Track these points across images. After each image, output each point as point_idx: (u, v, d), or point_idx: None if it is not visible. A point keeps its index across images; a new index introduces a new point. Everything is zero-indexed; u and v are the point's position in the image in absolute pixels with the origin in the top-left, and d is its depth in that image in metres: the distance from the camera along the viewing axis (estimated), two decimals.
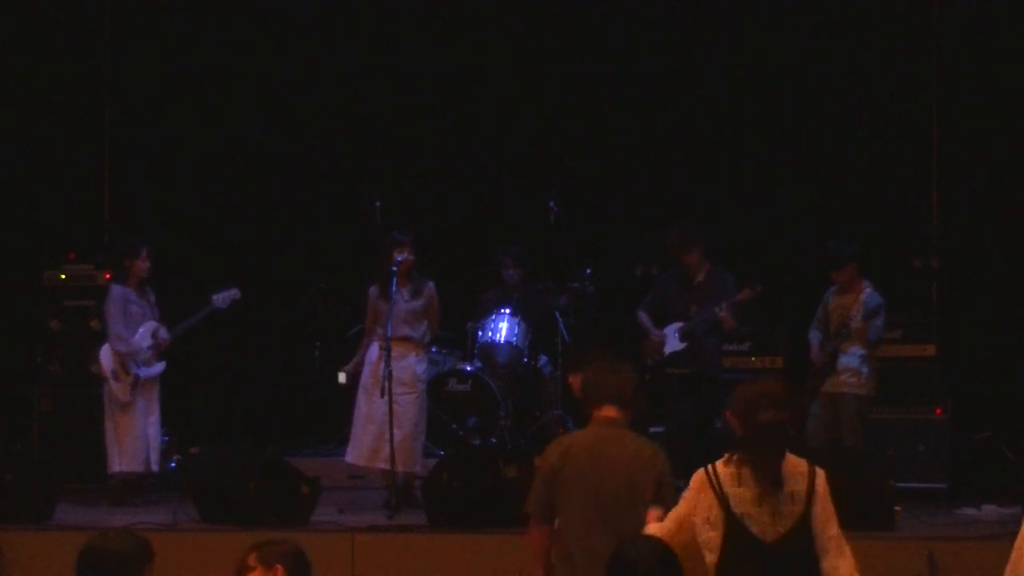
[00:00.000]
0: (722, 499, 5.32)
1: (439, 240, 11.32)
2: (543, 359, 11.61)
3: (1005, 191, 11.73)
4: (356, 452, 10.05)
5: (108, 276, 11.14)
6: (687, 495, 5.46)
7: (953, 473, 10.58)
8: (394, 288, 9.98)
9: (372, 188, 11.52)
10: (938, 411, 10.72)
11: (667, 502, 5.85)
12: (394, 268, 9.97)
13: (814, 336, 10.15)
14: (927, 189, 12.16)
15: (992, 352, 11.45)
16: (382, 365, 9.78)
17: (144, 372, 10.46)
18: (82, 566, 4.77)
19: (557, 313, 11.40)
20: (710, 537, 5.33)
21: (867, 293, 9.94)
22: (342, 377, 10.66)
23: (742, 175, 12.17)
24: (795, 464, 5.42)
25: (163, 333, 10.56)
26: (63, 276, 11.51)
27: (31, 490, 9.71)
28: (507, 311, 11.24)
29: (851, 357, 9.91)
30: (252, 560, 5.02)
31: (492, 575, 8.74)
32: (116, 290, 10.56)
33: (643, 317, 10.56)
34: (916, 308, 11.33)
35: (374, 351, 10.08)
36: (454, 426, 11.05)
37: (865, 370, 9.89)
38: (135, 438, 10.40)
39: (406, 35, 12.53)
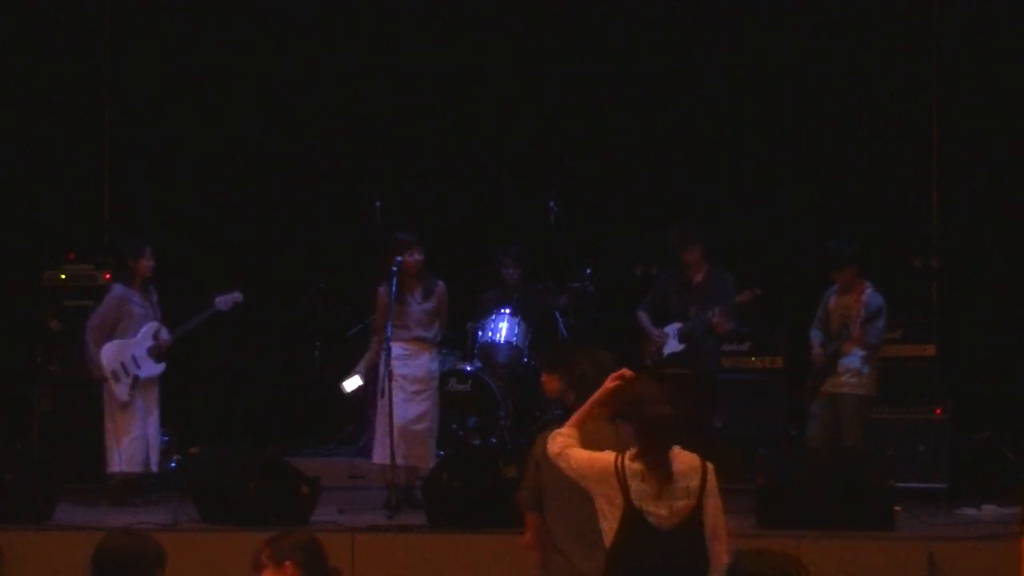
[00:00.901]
0: (625, 490, 5.68)
1: (439, 240, 11.32)
2: None
3: (1005, 191, 11.73)
4: (384, 452, 9.95)
5: (108, 276, 11.14)
6: (593, 457, 5.82)
7: (953, 473, 10.58)
8: (394, 289, 9.98)
9: (372, 188, 11.52)
10: (938, 411, 10.72)
11: None
12: (394, 269, 9.98)
13: (815, 336, 10.14)
14: (927, 189, 12.16)
15: (992, 352, 11.46)
16: (396, 363, 9.81)
17: (143, 373, 10.46)
18: (99, 562, 4.77)
19: (557, 313, 11.40)
20: (614, 516, 5.71)
21: (868, 294, 9.93)
22: (354, 383, 10.52)
23: (742, 175, 12.17)
24: (689, 460, 5.78)
25: (164, 334, 10.55)
26: (63, 276, 11.51)
27: (31, 490, 9.72)
28: (507, 311, 11.24)
29: (852, 358, 9.90)
30: (264, 557, 5.03)
31: (492, 575, 8.74)
32: (117, 289, 10.56)
33: (643, 317, 10.58)
34: (916, 308, 11.33)
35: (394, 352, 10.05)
36: (454, 426, 11.04)
37: (866, 370, 9.89)
38: (134, 438, 10.39)
39: (406, 35, 12.53)
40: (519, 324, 11.22)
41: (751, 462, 9.17)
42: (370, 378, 10.35)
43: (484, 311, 11.36)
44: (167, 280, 10.93)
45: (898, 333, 10.81)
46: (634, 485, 5.69)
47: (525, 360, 11.27)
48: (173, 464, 11.10)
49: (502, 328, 11.23)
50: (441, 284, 10.24)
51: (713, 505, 5.76)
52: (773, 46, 12.21)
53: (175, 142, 12.49)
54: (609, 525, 5.75)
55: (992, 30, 11.78)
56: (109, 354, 10.42)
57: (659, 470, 5.69)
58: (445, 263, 11.08)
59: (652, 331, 10.47)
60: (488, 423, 11.11)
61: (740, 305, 10.30)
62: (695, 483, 5.75)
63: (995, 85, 11.77)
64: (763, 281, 10.38)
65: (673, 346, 10.33)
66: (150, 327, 10.53)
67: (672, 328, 10.42)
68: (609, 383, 5.98)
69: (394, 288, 9.98)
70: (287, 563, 4.95)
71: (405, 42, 12.54)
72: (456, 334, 11.44)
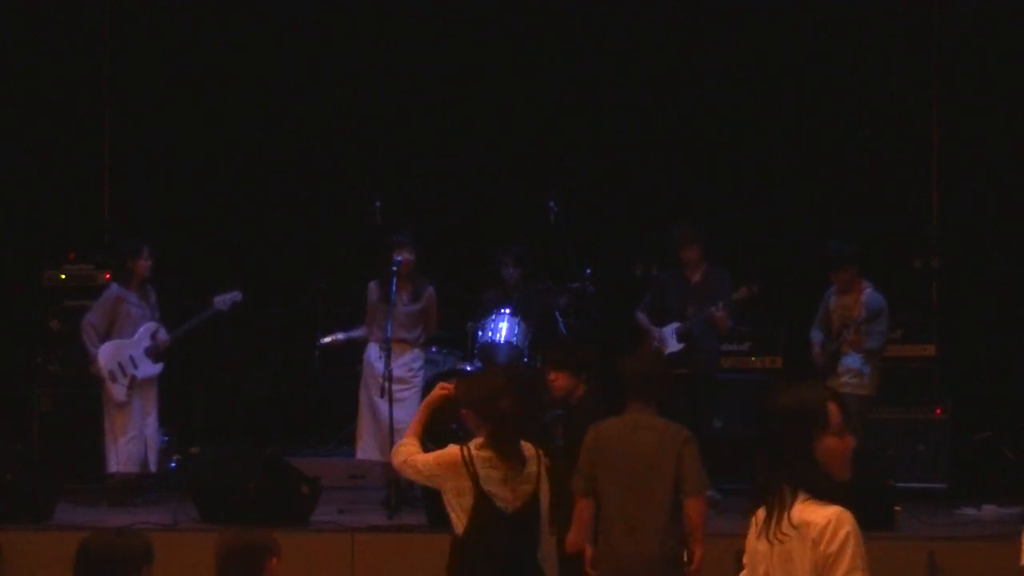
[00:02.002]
0: (474, 478, 6.16)
1: (439, 240, 11.33)
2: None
3: (1005, 191, 11.73)
4: (366, 448, 10.13)
5: (108, 276, 11.14)
6: (440, 455, 6.30)
7: (953, 473, 10.58)
8: (394, 290, 10.01)
9: (372, 188, 11.52)
10: (938, 411, 10.72)
11: (690, 469, 6.86)
12: (394, 269, 10.00)
13: (815, 336, 10.14)
14: (927, 189, 12.16)
15: (992, 352, 11.45)
16: (378, 363, 9.87)
17: (141, 373, 10.46)
18: (79, 562, 4.75)
19: (557, 313, 11.39)
20: (461, 505, 6.20)
21: (868, 294, 9.94)
22: (328, 338, 10.70)
23: (742, 175, 12.16)
24: (527, 447, 6.35)
25: (162, 334, 10.56)
26: (63, 276, 11.51)
27: (31, 490, 9.72)
28: (507, 311, 11.23)
29: (853, 358, 9.90)
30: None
31: None
32: (113, 289, 10.57)
33: (642, 318, 10.58)
34: (916, 308, 11.33)
35: (373, 351, 10.21)
36: (454, 426, 11.03)
37: (867, 371, 9.89)
38: (132, 439, 10.39)
39: (406, 35, 12.53)
40: (519, 324, 11.21)
41: (751, 462, 9.15)
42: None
43: (484, 311, 11.35)
44: (167, 280, 10.94)
45: (898, 333, 10.81)
46: (483, 472, 6.16)
47: (525, 360, 11.25)
48: (173, 464, 11.10)
49: (502, 328, 11.21)
50: (431, 288, 10.35)
51: (546, 490, 6.34)
52: (773, 46, 12.21)
53: (175, 142, 12.49)
54: (457, 515, 6.22)
55: (992, 30, 11.78)
56: (106, 354, 10.42)
57: (513, 458, 6.20)
58: (445, 263, 11.09)
59: (652, 331, 10.47)
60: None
61: (738, 302, 10.30)
62: (534, 469, 6.29)
63: (995, 85, 11.77)
64: (762, 280, 10.38)
65: (673, 346, 10.33)
66: (148, 327, 10.53)
67: (671, 328, 10.42)
68: (439, 390, 6.53)
69: (393, 287, 10.01)
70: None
71: (405, 42, 12.54)
72: (456, 334, 11.43)
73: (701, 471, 6.96)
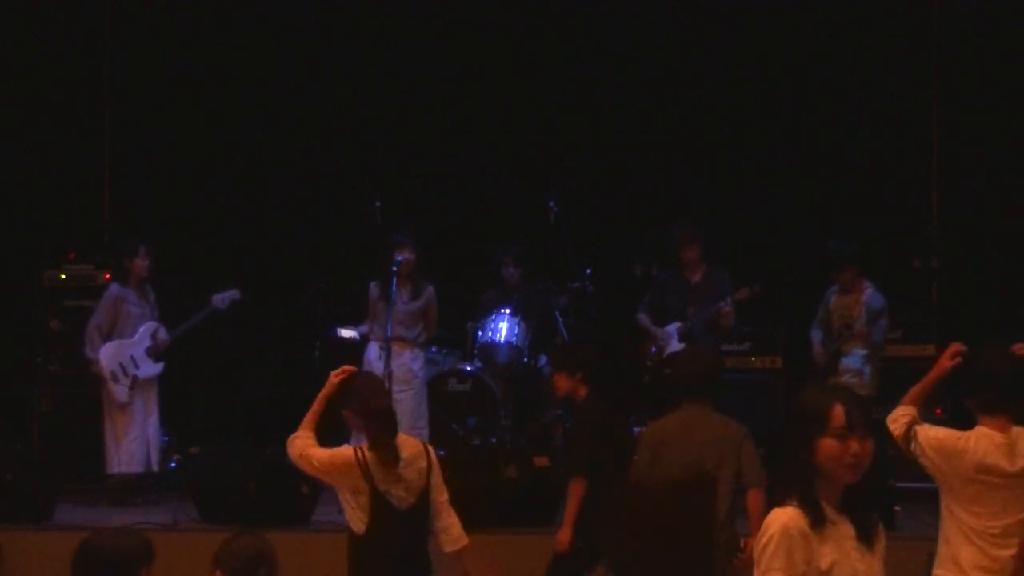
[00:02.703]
0: (369, 478, 6.40)
1: (439, 240, 11.33)
2: (543, 359, 11.59)
3: (1005, 191, 11.73)
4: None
5: (108, 276, 11.14)
6: (335, 453, 6.54)
7: None
8: (394, 289, 10.02)
9: (372, 188, 11.51)
10: (938, 411, 10.71)
11: (749, 463, 7.09)
12: (394, 269, 10.01)
13: (815, 336, 10.14)
14: (927, 189, 12.16)
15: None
16: (378, 363, 9.87)
17: (142, 373, 10.46)
18: (77, 563, 4.73)
19: (557, 313, 11.39)
20: (359, 504, 6.44)
21: (869, 294, 9.94)
22: (349, 331, 10.69)
23: (742, 175, 12.16)
24: (414, 444, 6.66)
25: (162, 334, 10.56)
26: (63, 276, 11.50)
27: (31, 490, 9.73)
28: (507, 311, 11.24)
29: (853, 358, 9.90)
30: (212, 557, 4.99)
31: (492, 575, 8.73)
32: (113, 289, 10.57)
33: (643, 318, 10.59)
34: (916, 308, 11.33)
35: (373, 350, 10.23)
36: (454, 426, 11.04)
37: (867, 371, 9.89)
38: (133, 439, 10.39)
39: (406, 35, 12.53)
40: (519, 324, 11.22)
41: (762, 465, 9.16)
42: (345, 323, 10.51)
43: (484, 311, 11.36)
44: (166, 280, 10.93)
45: (898, 333, 10.81)
46: (377, 472, 6.41)
47: (525, 360, 11.27)
48: (173, 464, 11.10)
49: (502, 328, 11.22)
50: (431, 289, 10.36)
51: (437, 482, 6.61)
52: (773, 46, 12.21)
53: (175, 142, 12.48)
54: (354, 514, 6.45)
55: (992, 30, 11.78)
56: (107, 355, 10.42)
57: (390, 455, 6.44)
58: (445, 263, 11.09)
59: (654, 331, 10.47)
60: (488, 423, 11.10)
61: (739, 302, 10.30)
62: (423, 464, 6.57)
63: (995, 85, 11.77)
64: (762, 280, 10.38)
65: (674, 346, 10.33)
66: (148, 327, 10.53)
67: (672, 328, 10.42)
68: (334, 377, 6.65)
69: (393, 287, 10.02)
70: (217, 571, 4.89)
71: (405, 42, 12.54)
72: (456, 334, 11.44)
73: (760, 464, 7.18)
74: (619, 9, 12.41)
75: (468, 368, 11.27)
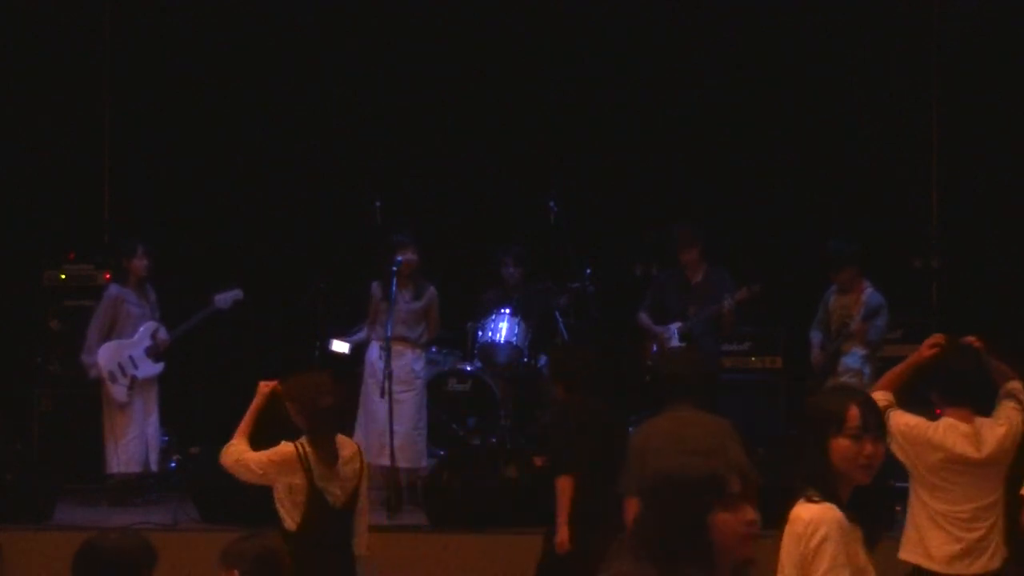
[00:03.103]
0: (308, 474, 6.56)
1: (439, 240, 11.32)
2: (543, 359, 11.59)
3: (1005, 191, 11.73)
4: (370, 450, 10.10)
5: (108, 276, 11.14)
6: (272, 452, 6.65)
7: None
8: (394, 288, 10.02)
9: (372, 188, 11.52)
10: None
11: (739, 457, 6.87)
12: (394, 269, 10.02)
13: (815, 336, 10.14)
14: (927, 189, 12.16)
15: (992, 352, 11.42)
16: (379, 363, 9.87)
17: (141, 373, 10.46)
18: (78, 565, 4.72)
19: (557, 313, 11.39)
20: (293, 502, 6.59)
21: (868, 293, 9.94)
22: (341, 346, 10.70)
23: (742, 175, 12.16)
24: (350, 445, 6.83)
25: (162, 334, 10.55)
26: (63, 276, 11.49)
27: (31, 490, 9.73)
28: (507, 311, 11.24)
29: (852, 358, 9.90)
30: (220, 559, 4.99)
31: (492, 575, 8.74)
32: (112, 290, 10.57)
33: (644, 318, 10.59)
34: (916, 308, 11.33)
35: (374, 351, 10.22)
36: (454, 426, 11.04)
37: (867, 371, 9.89)
38: (132, 439, 10.39)
39: (406, 35, 12.52)
40: (519, 324, 11.22)
41: (751, 462, 9.16)
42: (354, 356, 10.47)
43: (484, 311, 11.36)
44: (167, 280, 10.93)
45: (898, 333, 10.80)
46: (316, 468, 6.57)
47: (525, 360, 11.27)
48: (173, 464, 11.10)
49: (502, 328, 11.22)
50: (432, 289, 10.37)
51: (364, 486, 6.83)
52: (773, 46, 12.21)
53: (175, 142, 12.48)
54: (288, 511, 6.60)
55: (992, 30, 11.78)
56: (106, 355, 10.41)
57: (328, 454, 6.60)
58: (445, 263, 11.09)
59: (656, 330, 10.47)
60: (488, 423, 11.10)
61: (740, 303, 10.30)
62: (358, 466, 6.77)
63: (995, 85, 11.77)
64: (763, 280, 10.38)
65: (675, 344, 10.32)
66: (148, 327, 10.52)
67: (674, 327, 10.42)
68: (264, 387, 6.85)
69: (393, 288, 10.02)
70: (234, 571, 4.90)
71: (405, 42, 12.53)
72: (456, 334, 11.44)
73: (748, 460, 7.11)
74: (619, 9, 12.41)
75: (468, 368, 11.27)
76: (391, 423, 9.72)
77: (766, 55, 12.22)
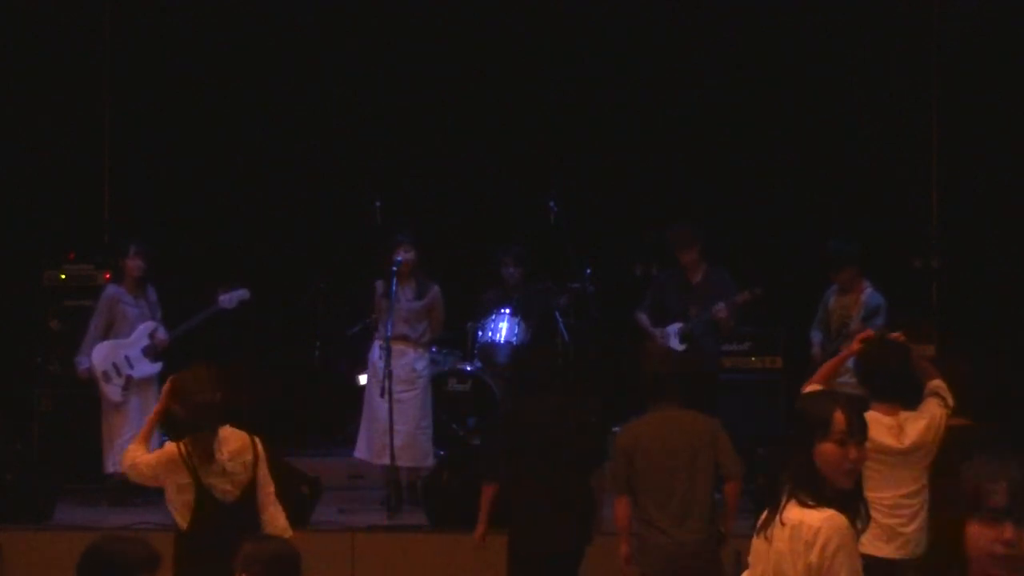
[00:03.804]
0: (193, 472, 6.53)
1: (439, 240, 11.32)
2: None
3: (1005, 191, 11.72)
4: (364, 448, 10.14)
5: (108, 276, 11.14)
6: (159, 454, 6.70)
7: None
8: (395, 287, 10.02)
9: (372, 188, 11.52)
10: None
11: (726, 454, 7.33)
12: (394, 268, 10.01)
13: (815, 336, 10.14)
14: (927, 189, 12.16)
15: (992, 352, 11.44)
16: (381, 363, 9.86)
17: (137, 373, 10.45)
18: (81, 566, 4.75)
19: (557, 313, 11.39)
20: (183, 501, 6.55)
21: (868, 293, 9.93)
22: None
23: (742, 175, 12.16)
24: (240, 437, 6.73)
25: (161, 333, 10.54)
26: (63, 276, 11.48)
27: (31, 490, 9.72)
28: (507, 311, 11.24)
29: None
30: (235, 562, 5.00)
31: (492, 575, 8.74)
32: (108, 290, 10.57)
33: (642, 318, 10.57)
34: (916, 308, 11.32)
35: (376, 350, 10.18)
36: (454, 426, 11.04)
37: None
38: (128, 439, 10.28)
39: (406, 35, 12.53)
40: (519, 324, 11.22)
41: (751, 462, 9.17)
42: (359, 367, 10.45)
43: (484, 311, 11.36)
44: (167, 280, 10.92)
45: (898, 333, 10.79)
46: (200, 466, 6.54)
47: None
48: None
49: (502, 328, 11.22)
50: (436, 288, 10.29)
51: (263, 475, 6.72)
52: (773, 46, 12.21)
53: (175, 142, 12.48)
54: (179, 511, 6.56)
55: (992, 30, 11.78)
56: (100, 355, 10.41)
57: (204, 450, 6.55)
58: (445, 263, 11.09)
59: (652, 331, 10.47)
60: (488, 423, 11.10)
61: (740, 306, 10.30)
62: (249, 458, 6.67)
63: (995, 85, 11.77)
64: (763, 281, 10.37)
65: (675, 345, 10.32)
66: (146, 327, 10.51)
67: (673, 328, 10.42)
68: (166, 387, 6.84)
69: (394, 287, 10.01)
70: (241, 574, 4.91)
71: (405, 42, 12.54)
72: (456, 334, 11.44)
73: (736, 455, 7.40)
74: (619, 9, 12.41)
75: (468, 368, 11.27)
76: (391, 422, 9.71)
77: (766, 55, 12.22)
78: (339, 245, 12.18)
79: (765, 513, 4.33)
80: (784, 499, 4.25)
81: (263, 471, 6.73)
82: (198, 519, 6.53)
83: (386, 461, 9.89)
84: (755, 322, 11.18)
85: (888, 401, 6.59)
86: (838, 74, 12.15)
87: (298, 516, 9.31)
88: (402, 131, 12.47)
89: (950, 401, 6.64)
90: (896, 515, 6.53)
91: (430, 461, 10.05)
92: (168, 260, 11.06)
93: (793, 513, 4.21)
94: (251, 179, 12.56)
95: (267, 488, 6.75)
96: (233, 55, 12.49)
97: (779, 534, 4.21)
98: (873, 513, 5.85)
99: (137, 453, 6.79)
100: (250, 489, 6.66)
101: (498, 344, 11.21)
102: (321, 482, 9.64)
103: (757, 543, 4.32)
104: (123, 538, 4.91)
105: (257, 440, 6.79)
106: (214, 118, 12.48)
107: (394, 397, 9.81)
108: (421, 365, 10.27)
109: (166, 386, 6.87)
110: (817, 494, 4.20)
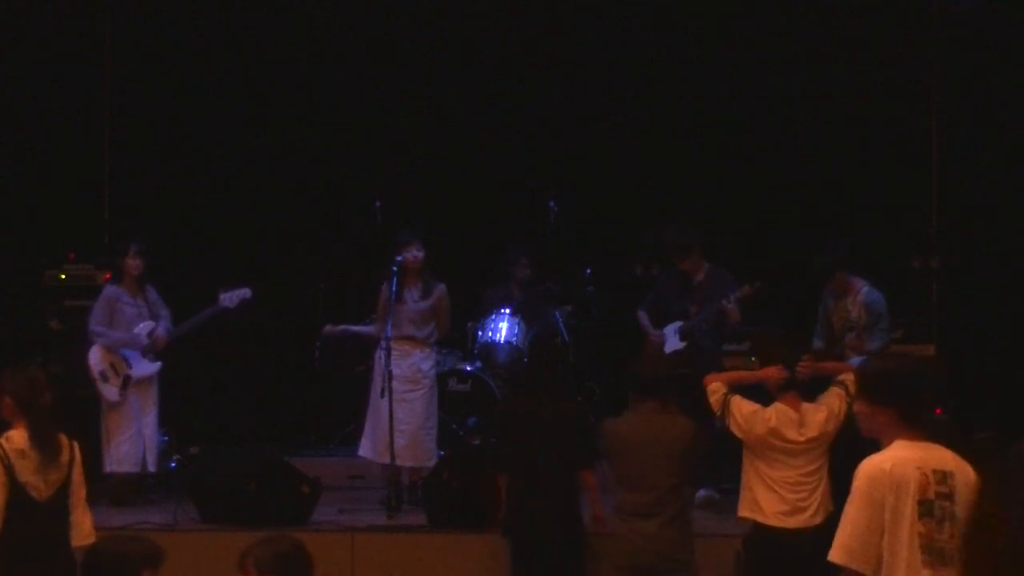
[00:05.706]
0: (9, 469, 6.59)
1: (438, 240, 11.31)
2: None
3: (1005, 191, 11.72)
4: (368, 447, 10.13)
5: (108, 276, 11.14)
6: None
7: None
8: (394, 287, 10.00)
9: (372, 188, 11.53)
10: (938, 411, 10.70)
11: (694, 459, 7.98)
12: (394, 268, 9.99)
13: (816, 345, 10.12)
14: (927, 189, 12.16)
15: (992, 352, 11.45)
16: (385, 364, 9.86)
17: (135, 372, 10.44)
18: (85, 568, 4.77)
19: (557, 313, 11.40)
20: None
21: (866, 293, 9.91)
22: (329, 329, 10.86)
23: (742, 175, 12.16)
24: (58, 437, 6.75)
25: (160, 331, 10.52)
26: (63, 276, 11.49)
27: None
28: (507, 311, 11.24)
29: (856, 360, 9.88)
30: (247, 563, 4.98)
31: (492, 575, 8.74)
32: (107, 290, 10.57)
33: (642, 316, 10.56)
34: (916, 308, 11.32)
35: (379, 349, 10.13)
36: (454, 426, 11.04)
37: None
38: (126, 439, 10.37)
39: (407, 37, 12.53)
40: (519, 324, 11.22)
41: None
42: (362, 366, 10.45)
43: (484, 311, 11.36)
44: (167, 280, 10.92)
45: (898, 333, 10.79)
46: (17, 463, 6.61)
47: (525, 360, 11.26)
48: (173, 464, 11.08)
49: (502, 328, 11.22)
50: (442, 287, 10.23)
51: (77, 477, 6.80)
52: (773, 46, 12.21)
53: (175, 142, 12.48)
54: None
55: (992, 30, 11.78)
56: (96, 355, 10.40)
57: (48, 448, 6.67)
58: (445, 263, 11.09)
59: (650, 331, 10.46)
60: (488, 423, 11.10)
61: (742, 300, 10.30)
62: (66, 458, 6.77)
63: (995, 85, 11.77)
64: (763, 279, 10.37)
65: (674, 344, 10.31)
66: (144, 326, 10.51)
67: (672, 328, 10.41)
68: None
69: (394, 287, 10.00)
70: (266, 574, 4.90)
71: (405, 43, 12.54)
72: (456, 334, 11.44)
73: (701, 461, 8.19)
74: (619, 10, 12.41)
75: (468, 368, 11.27)
76: (391, 422, 9.70)
77: (766, 56, 12.22)
78: (339, 245, 12.18)
79: None
80: None
81: (78, 473, 6.83)
82: (11, 517, 6.60)
83: (387, 460, 9.89)
84: (755, 322, 11.16)
85: (790, 394, 7.63)
86: (838, 74, 12.14)
87: (298, 516, 9.34)
88: (402, 131, 12.47)
89: (852, 391, 7.00)
90: (798, 491, 7.49)
91: (433, 461, 10.04)
92: (168, 260, 11.06)
93: None
94: (251, 179, 12.57)
95: (80, 491, 6.85)
96: (233, 55, 12.50)
97: None
98: (777, 490, 7.45)
99: None
100: (64, 489, 6.76)
101: (498, 344, 11.21)
102: (321, 482, 9.64)
103: None
104: (124, 537, 4.92)
105: (74, 443, 6.91)
106: (214, 118, 12.49)
107: (399, 397, 9.81)
108: (427, 365, 10.23)
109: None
110: None
